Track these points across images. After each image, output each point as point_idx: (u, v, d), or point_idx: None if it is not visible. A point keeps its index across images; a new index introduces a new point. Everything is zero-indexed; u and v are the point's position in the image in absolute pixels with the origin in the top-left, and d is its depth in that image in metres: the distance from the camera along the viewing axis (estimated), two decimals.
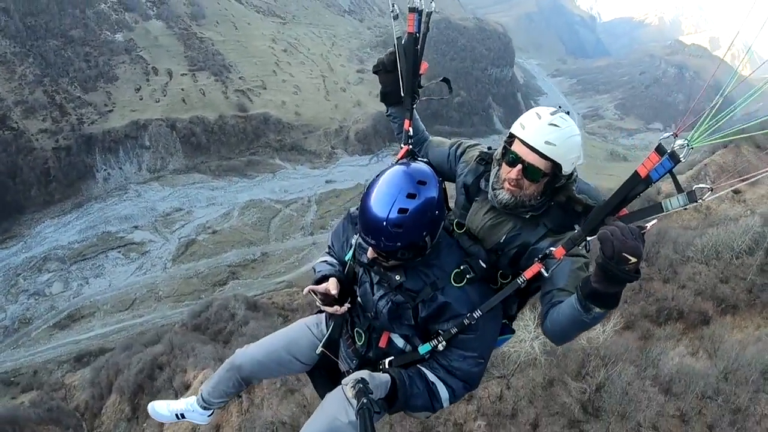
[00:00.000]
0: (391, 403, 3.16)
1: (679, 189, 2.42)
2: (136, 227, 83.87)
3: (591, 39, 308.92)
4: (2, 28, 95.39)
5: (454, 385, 3.28)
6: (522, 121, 3.15)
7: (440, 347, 3.21)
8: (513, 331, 3.73)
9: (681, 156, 2.37)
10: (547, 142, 3.01)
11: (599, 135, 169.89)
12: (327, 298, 3.54)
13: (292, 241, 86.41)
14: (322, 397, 3.77)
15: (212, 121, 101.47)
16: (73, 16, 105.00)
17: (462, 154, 3.82)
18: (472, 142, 3.94)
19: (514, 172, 3.14)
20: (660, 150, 2.39)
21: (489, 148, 3.69)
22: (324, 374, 4.03)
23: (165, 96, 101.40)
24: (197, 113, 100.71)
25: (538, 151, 3.03)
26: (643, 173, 2.46)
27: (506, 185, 3.22)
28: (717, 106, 2.33)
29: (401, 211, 2.84)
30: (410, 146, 3.82)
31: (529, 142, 3.05)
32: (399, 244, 2.92)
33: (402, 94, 3.84)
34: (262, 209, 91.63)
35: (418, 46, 3.72)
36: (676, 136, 2.40)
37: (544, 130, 3.03)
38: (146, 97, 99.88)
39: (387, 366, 3.39)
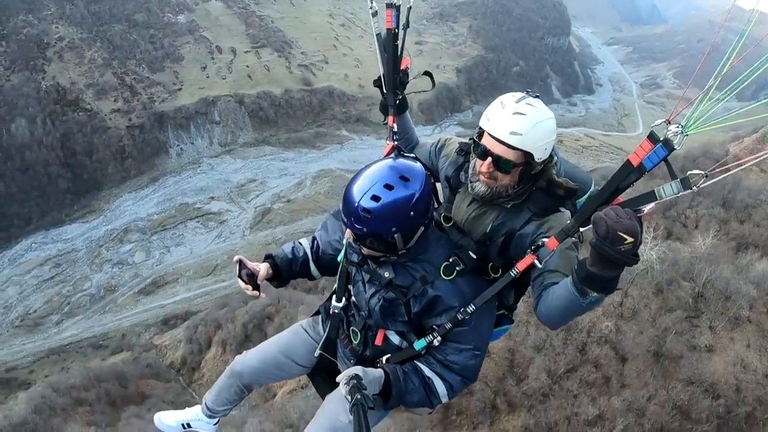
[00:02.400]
0: (386, 398, 3.11)
1: (672, 175, 2.26)
2: (212, 198, 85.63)
3: (646, 5, 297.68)
4: (68, 15, 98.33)
5: (451, 380, 3.21)
6: (487, 112, 3.03)
7: (436, 342, 3.14)
8: (512, 321, 3.62)
9: (675, 143, 2.22)
10: (512, 133, 2.89)
11: (658, 104, 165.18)
12: (251, 278, 3.61)
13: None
14: (323, 398, 3.73)
15: (278, 96, 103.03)
16: (135, 1, 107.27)
17: (442, 147, 3.74)
18: (453, 136, 3.82)
19: (485, 166, 3.06)
20: (652, 138, 2.24)
21: (470, 139, 3.45)
22: (324, 375, 3.95)
23: (231, 73, 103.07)
24: (263, 88, 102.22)
25: (504, 142, 2.93)
26: (635, 162, 2.33)
27: (481, 177, 3.13)
28: (714, 87, 2.21)
29: (374, 198, 2.80)
30: (395, 142, 3.79)
31: (494, 134, 2.95)
32: (365, 230, 2.87)
33: (385, 91, 3.79)
34: (333, 178, 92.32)
35: (398, 42, 3.70)
36: (669, 122, 2.24)
37: (509, 120, 2.91)
38: (213, 75, 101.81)
39: (384, 363, 3.31)
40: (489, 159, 3.01)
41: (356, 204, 2.81)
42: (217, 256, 75.52)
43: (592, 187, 3.47)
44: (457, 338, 3.11)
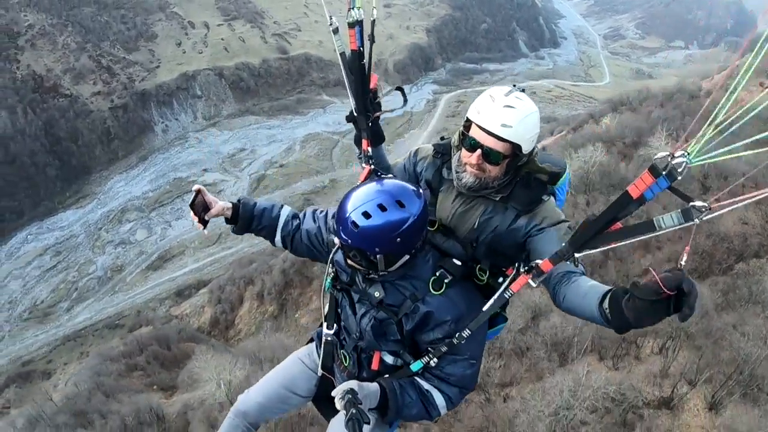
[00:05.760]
0: (383, 412, 3.13)
1: (685, 198, 2.17)
2: (205, 170, 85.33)
3: None
4: (36, 2, 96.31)
5: (450, 392, 3.20)
6: (477, 105, 3.06)
7: (432, 363, 3.14)
8: (506, 319, 3.63)
9: (679, 173, 2.12)
10: (503, 125, 2.94)
11: (622, 55, 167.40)
12: (205, 210, 3.60)
13: (355, 167, 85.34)
14: (328, 420, 3.84)
15: (257, 66, 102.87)
16: None
17: (415, 155, 3.71)
18: (423, 145, 3.77)
19: (474, 158, 3.09)
20: (654, 171, 2.15)
21: (442, 138, 3.57)
22: (326, 400, 3.73)
23: (207, 47, 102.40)
24: (241, 59, 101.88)
25: (494, 134, 2.97)
26: (635, 194, 2.24)
27: (468, 168, 3.17)
28: (724, 111, 2.08)
29: (365, 214, 2.82)
30: (371, 166, 3.68)
31: (485, 127, 2.99)
32: (350, 241, 2.89)
33: (356, 115, 3.67)
34: (321, 141, 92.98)
35: (364, 61, 3.52)
36: (673, 156, 2.12)
37: (500, 113, 2.95)
38: (189, 50, 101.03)
39: (381, 378, 3.27)
40: (479, 151, 3.05)
41: (347, 215, 2.83)
42: (220, 224, 71.05)
43: (567, 170, 3.51)
44: (453, 350, 3.10)
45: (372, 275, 3.08)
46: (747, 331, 20.03)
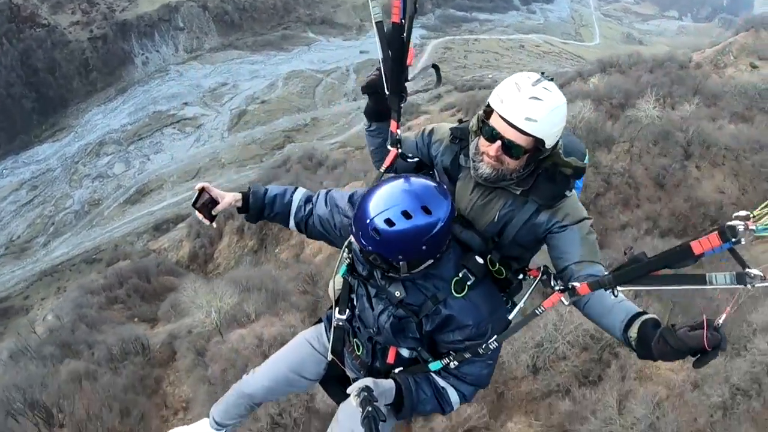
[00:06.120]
0: (398, 408, 3.05)
1: (742, 264, 2.07)
2: (185, 104, 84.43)
3: None
4: None
5: (465, 390, 3.13)
6: (501, 93, 2.76)
7: (452, 365, 3.02)
8: (514, 305, 3.32)
9: (741, 238, 2.01)
10: (527, 119, 2.67)
11: (614, 17, 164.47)
12: (210, 206, 3.36)
13: (338, 107, 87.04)
14: (337, 402, 3.69)
15: None
16: None
17: (431, 134, 3.41)
18: (439, 123, 3.48)
19: (493, 149, 2.83)
20: (723, 236, 2.02)
21: (460, 121, 3.29)
22: (335, 382, 3.81)
23: None
24: None
25: (517, 127, 2.71)
26: (697, 251, 2.13)
27: (485, 158, 2.91)
28: None
29: (387, 222, 2.58)
30: (399, 149, 3.33)
31: (508, 118, 2.71)
32: (370, 247, 2.67)
33: (388, 94, 3.18)
34: (305, 78, 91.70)
35: (404, 35, 2.98)
36: (747, 228, 2.00)
37: (525, 105, 2.68)
38: None
39: (395, 373, 3.17)
40: (498, 143, 2.82)
41: (368, 221, 2.62)
42: (199, 159, 75.17)
43: (586, 158, 3.31)
44: (475, 356, 3.01)
45: (392, 274, 2.88)
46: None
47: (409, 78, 3.17)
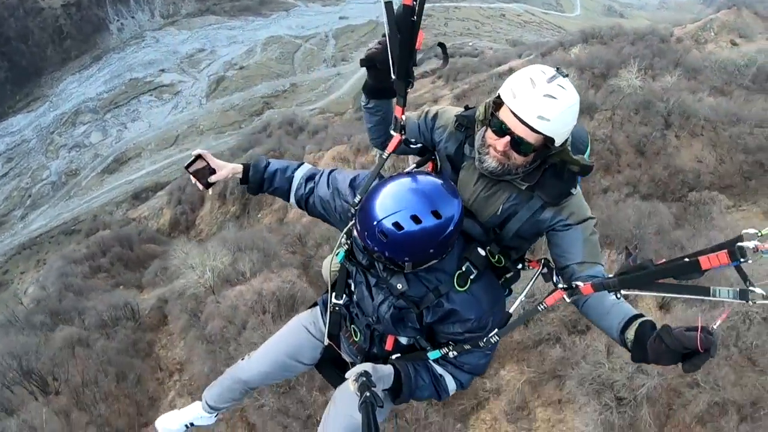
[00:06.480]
0: (396, 394, 3.08)
1: (746, 281, 2.07)
2: (162, 70, 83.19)
3: None
4: None
5: (462, 378, 3.17)
6: (513, 86, 2.67)
7: (451, 355, 3.04)
8: (511, 292, 3.45)
9: (749, 257, 1.99)
10: (540, 117, 2.60)
11: None
12: (211, 173, 3.39)
13: (317, 72, 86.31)
14: (333, 386, 3.71)
15: None
16: None
17: (435, 119, 3.33)
18: (439, 106, 3.42)
19: (501, 144, 2.78)
20: (733, 256, 2.01)
21: (466, 108, 3.20)
22: (331, 365, 3.85)
23: None
24: None
25: (529, 125, 2.64)
26: (705, 266, 2.11)
27: (492, 152, 2.85)
28: None
29: (396, 225, 2.53)
30: (403, 135, 3.14)
31: (520, 115, 2.64)
32: (377, 248, 2.63)
33: (395, 79, 2.94)
34: (283, 44, 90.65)
35: (414, 17, 2.73)
36: (757, 250, 1.97)
37: (539, 103, 2.60)
38: None
39: (393, 359, 3.20)
40: (507, 138, 2.76)
41: (375, 222, 2.57)
42: (177, 126, 74.46)
43: (588, 150, 3.23)
44: (474, 348, 3.03)
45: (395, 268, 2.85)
46: (697, 243, 20.58)
47: (417, 63, 2.97)
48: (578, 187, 3.09)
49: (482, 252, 2.90)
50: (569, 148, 2.88)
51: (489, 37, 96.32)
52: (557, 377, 15.90)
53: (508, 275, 3.14)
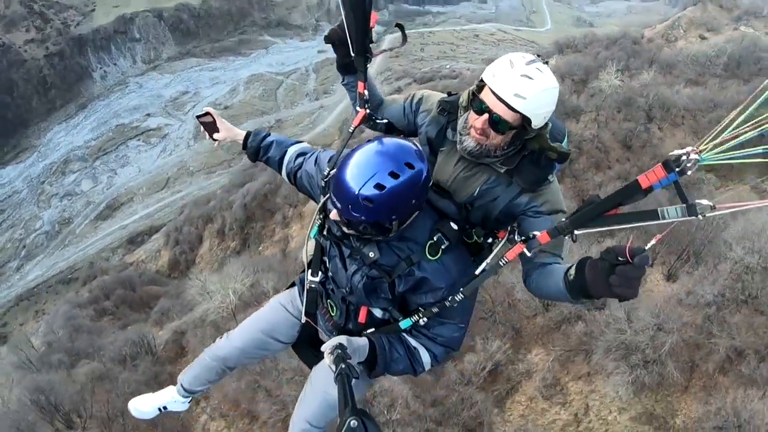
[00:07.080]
0: (371, 367, 3.09)
1: (684, 199, 2.15)
2: (148, 115, 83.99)
3: None
4: None
5: (436, 351, 3.18)
6: (493, 68, 2.84)
7: (421, 322, 3.08)
8: (495, 272, 3.35)
9: (688, 169, 2.08)
10: (516, 95, 2.73)
11: (564, 2, 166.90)
12: (212, 128, 3.75)
13: (300, 107, 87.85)
14: (309, 366, 3.83)
15: (197, 6, 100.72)
16: None
17: (419, 103, 3.49)
18: (429, 91, 3.60)
19: (480, 121, 2.89)
20: (667, 166, 2.10)
21: (449, 94, 3.37)
22: (307, 346, 3.91)
23: None
24: (180, 1, 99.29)
25: (506, 102, 2.76)
26: (644, 185, 2.20)
27: (472, 132, 2.97)
28: (742, 115, 2.00)
29: (378, 186, 2.62)
30: (367, 110, 3.47)
31: (497, 92, 2.78)
32: (364, 218, 2.71)
33: (354, 56, 3.34)
34: (265, 82, 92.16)
35: (367, 1, 3.17)
36: (689, 156, 2.07)
37: (515, 82, 2.74)
38: None
39: (369, 332, 3.23)
40: (486, 116, 2.87)
41: (356, 192, 2.63)
42: (167, 169, 74.94)
43: (565, 140, 3.24)
44: (442, 314, 3.06)
45: (372, 237, 2.97)
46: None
47: (374, 40, 3.34)
48: (554, 176, 3.18)
49: (455, 226, 2.97)
50: (547, 136, 2.97)
51: (465, 58, 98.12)
52: (583, 351, 16.44)
53: (481, 252, 3.21)
